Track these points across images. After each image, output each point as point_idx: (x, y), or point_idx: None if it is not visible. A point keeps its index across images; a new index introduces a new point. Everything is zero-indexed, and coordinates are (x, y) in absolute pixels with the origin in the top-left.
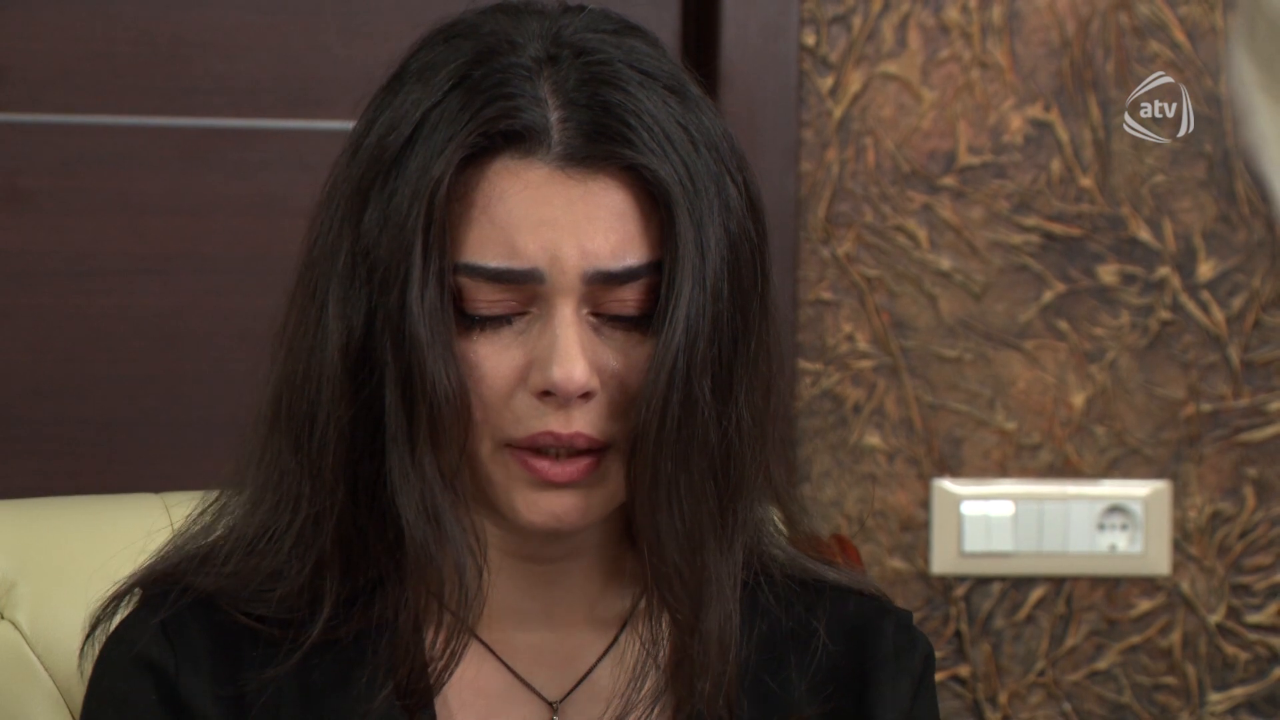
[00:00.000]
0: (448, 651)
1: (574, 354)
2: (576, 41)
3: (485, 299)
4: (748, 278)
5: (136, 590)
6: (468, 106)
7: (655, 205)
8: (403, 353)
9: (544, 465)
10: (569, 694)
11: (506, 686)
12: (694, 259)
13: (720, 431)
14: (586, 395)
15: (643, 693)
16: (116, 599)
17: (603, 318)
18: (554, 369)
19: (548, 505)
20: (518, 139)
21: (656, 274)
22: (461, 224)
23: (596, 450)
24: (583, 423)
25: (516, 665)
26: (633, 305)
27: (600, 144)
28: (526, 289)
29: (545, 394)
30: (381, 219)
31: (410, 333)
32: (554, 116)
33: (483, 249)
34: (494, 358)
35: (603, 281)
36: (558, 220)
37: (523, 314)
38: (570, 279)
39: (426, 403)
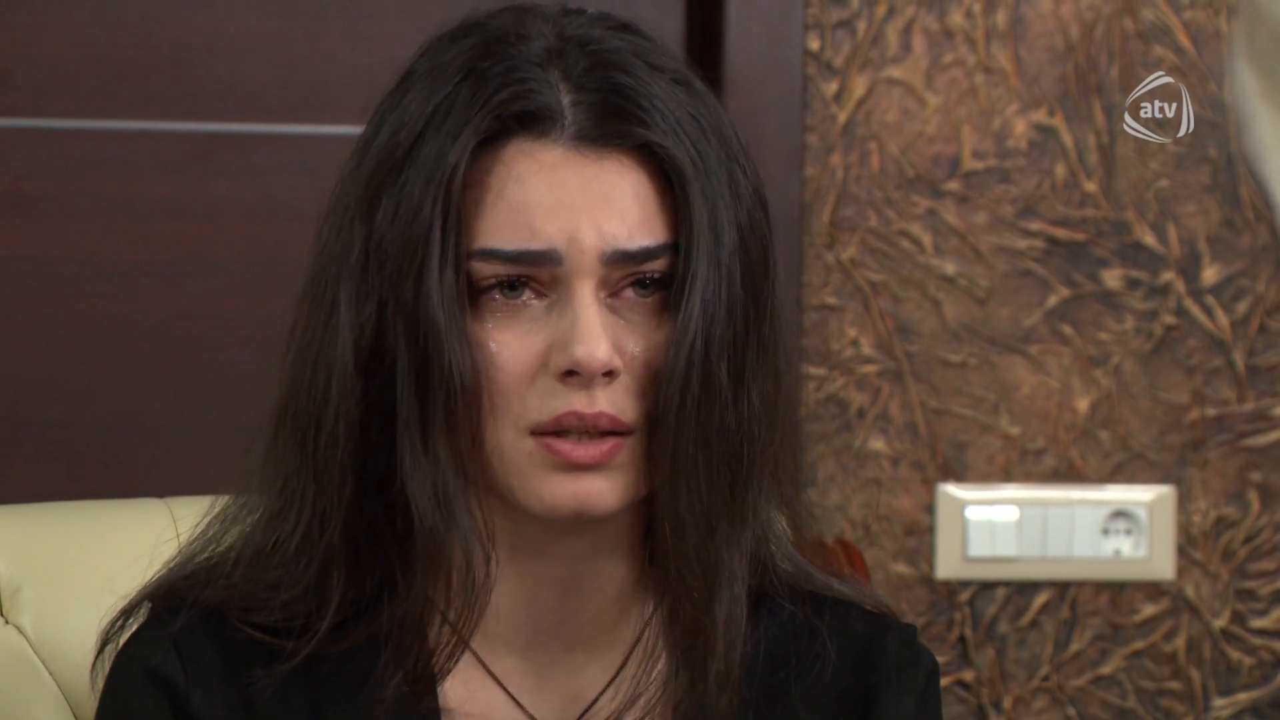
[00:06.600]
0: (453, 641)
1: (596, 332)
2: (581, 35)
3: (500, 276)
4: (759, 267)
5: (146, 603)
6: (479, 94)
7: (669, 186)
8: (417, 340)
9: (567, 447)
10: None
11: (510, 716)
12: (708, 239)
13: (736, 416)
14: (609, 375)
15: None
16: (126, 613)
17: (621, 302)
18: (576, 347)
19: (572, 488)
20: (531, 121)
21: (673, 255)
22: (476, 211)
23: (620, 433)
24: (606, 402)
25: (521, 695)
26: (650, 286)
27: (613, 123)
28: (544, 271)
29: (568, 375)
30: (394, 212)
31: (427, 319)
32: (566, 100)
33: (499, 233)
34: (513, 344)
35: (620, 262)
36: (574, 201)
37: (540, 299)
38: (589, 259)
39: (442, 388)
